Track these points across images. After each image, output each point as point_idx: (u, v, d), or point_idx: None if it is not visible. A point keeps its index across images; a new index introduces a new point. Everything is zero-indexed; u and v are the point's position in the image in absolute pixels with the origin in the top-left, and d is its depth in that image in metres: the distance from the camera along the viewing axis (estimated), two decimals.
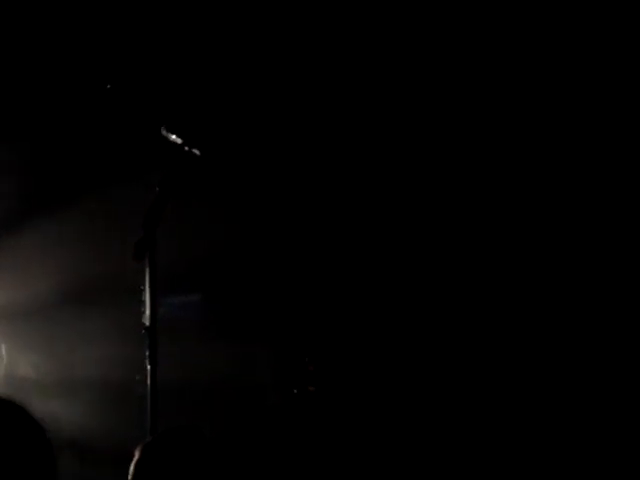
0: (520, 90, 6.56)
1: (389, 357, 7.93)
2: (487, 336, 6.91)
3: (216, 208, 8.67)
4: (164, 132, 4.34)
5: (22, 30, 7.15)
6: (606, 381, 5.81)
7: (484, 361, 7.12)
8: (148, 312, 3.95)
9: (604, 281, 6.00)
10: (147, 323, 3.97)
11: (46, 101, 7.61)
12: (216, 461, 2.84)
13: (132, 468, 2.77)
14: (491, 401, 6.60)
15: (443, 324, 7.43)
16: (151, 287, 3.94)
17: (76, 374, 7.26)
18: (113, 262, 7.25)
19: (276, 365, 8.57)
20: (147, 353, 3.99)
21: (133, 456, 2.79)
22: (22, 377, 7.68)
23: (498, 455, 6.15)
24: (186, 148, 4.22)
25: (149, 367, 3.97)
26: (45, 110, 7.69)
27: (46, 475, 1.75)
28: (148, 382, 3.97)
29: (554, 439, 5.95)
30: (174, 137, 4.27)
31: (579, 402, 5.90)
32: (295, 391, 8.26)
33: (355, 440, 7.24)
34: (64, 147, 7.55)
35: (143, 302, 3.98)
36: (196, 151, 4.26)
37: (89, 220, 8.16)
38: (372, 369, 7.98)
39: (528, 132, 6.64)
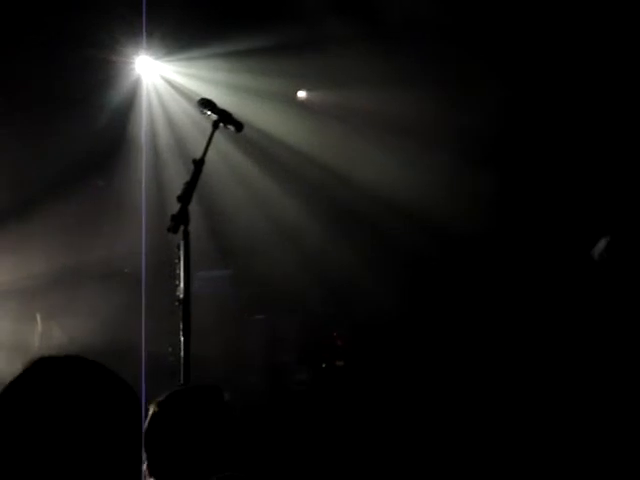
0: None
1: (415, 333, 7.97)
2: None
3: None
4: (199, 108, 4.36)
5: None
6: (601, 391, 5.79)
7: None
8: (182, 285, 3.96)
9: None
10: (181, 296, 3.98)
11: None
12: (231, 422, 2.80)
13: (147, 421, 2.75)
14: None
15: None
16: (185, 260, 3.96)
17: (111, 344, 7.34)
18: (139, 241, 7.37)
19: (305, 340, 8.63)
20: (181, 325, 3.98)
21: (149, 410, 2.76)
22: (57, 346, 7.78)
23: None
24: (221, 124, 4.24)
25: (182, 338, 3.97)
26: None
27: (136, 442, 1.78)
28: (181, 353, 3.98)
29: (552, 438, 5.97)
30: (209, 113, 4.28)
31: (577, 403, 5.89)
32: (323, 365, 8.32)
33: (381, 414, 7.29)
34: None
35: (177, 275, 3.99)
36: (231, 127, 4.29)
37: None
38: (399, 345, 8.03)
39: None
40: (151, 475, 2.72)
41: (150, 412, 2.79)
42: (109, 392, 1.78)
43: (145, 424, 2.74)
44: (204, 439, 2.73)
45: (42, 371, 1.77)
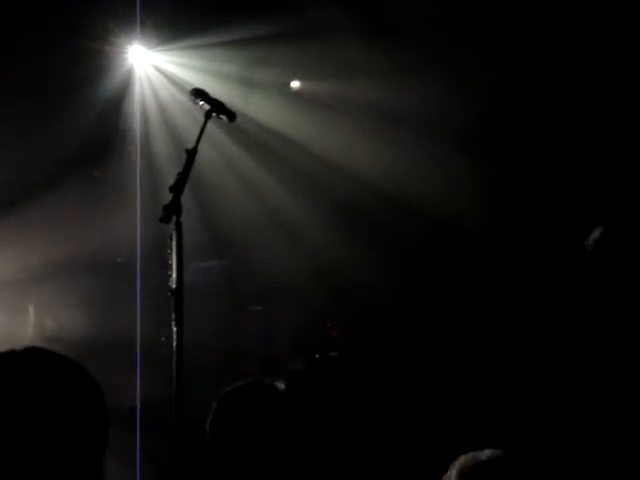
0: None
1: (410, 326, 7.98)
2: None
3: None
4: (192, 98, 4.34)
5: None
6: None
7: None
8: (175, 275, 3.95)
9: None
10: (173, 286, 3.97)
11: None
12: (290, 417, 2.91)
13: (210, 416, 2.88)
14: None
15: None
16: (177, 251, 3.95)
17: (102, 335, 7.34)
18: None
19: (299, 330, 8.64)
20: (173, 315, 3.97)
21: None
22: (49, 337, 7.78)
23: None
24: (214, 114, 4.22)
25: (175, 329, 3.96)
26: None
27: (98, 438, 1.77)
28: (174, 344, 3.97)
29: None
30: (202, 103, 4.26)
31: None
32: (317, 356, 8.33)
33: (376, 405, 7.29)
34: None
35: (170, 265, 3.98)
36: (224, 117, 4.27)
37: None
38: (392, 338, 8.03)
39: None
40: (217, 462, 2.88)
41: (214, 406, 2.94)
42: (68, 385, 1.77)
43: (209, 417, 2.92)
44: (266, 430, 2.90)
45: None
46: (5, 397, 1.71)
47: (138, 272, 7.59)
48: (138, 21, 8.01)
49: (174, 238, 3.94)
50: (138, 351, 7.14)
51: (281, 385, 3.00)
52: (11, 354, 1.79)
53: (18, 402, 1.71)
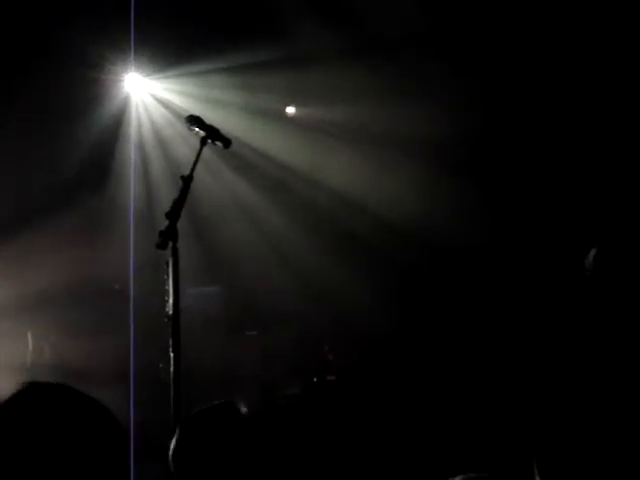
0: None
1: (406, 348, 7.98)
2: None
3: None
4: (187, 124, 4.37)
5: None
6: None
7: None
8: (171, 301, 3.95)
9: None
10: (170, 312, 3.96)
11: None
12: (253, 436, 2.88)
13: (173, 444, 2.83)
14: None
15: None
16: (174, 276, 3.95)
17: (102, 361, 7.33)
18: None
19: (295, 354, 8.63)
20: (170, 341, 3.97)
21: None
22: (48, 365, 7.76)
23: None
24: (209, 141, 4.25)
25: (172, 354, 3.96)
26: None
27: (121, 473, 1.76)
28: (171, 369, 3.97)
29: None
30: (197, 129, 4.29)
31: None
32: (315, 380, 8.32)
33: (372, 428, 7.28)
34: None
35: (166, 291, 3.98)
36: (219, 143, 4.30)
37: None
38: (389, 359, 8.03)
39: None
40: None
41: (175, 435, 2.85)
42: (95, 423, 1.77)
43: (171, 446, 2.83)
44: (229, 454, 2.81)
45: (29, 398, 1.75)
46: (29, 434, 1.69)
47: (131, 297, 7.60)
48: (132, 49, 8.08)
49: (170, 264, 3.96)
50: (132, 377, 7.14)
51: (243, 407, 2.96)
52: (37, 387, 1.77)
53: (44, 445, 1.69)
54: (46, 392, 1.77)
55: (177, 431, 2.85)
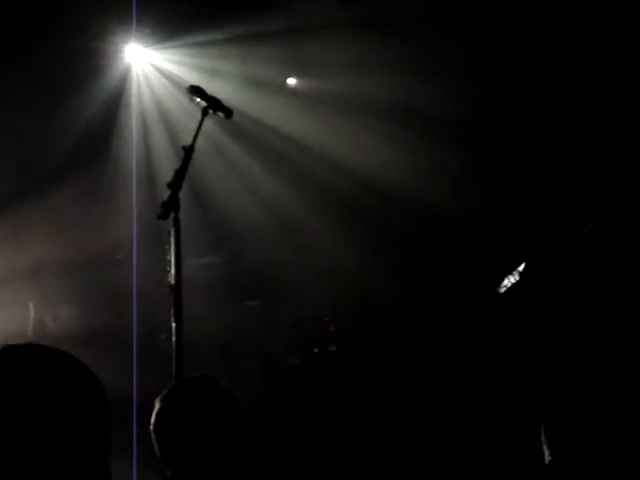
0: None
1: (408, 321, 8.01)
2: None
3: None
4: (189, 95, 4.36)
5: None
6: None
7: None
8: (173, 271, 3.96)
9: None
10: (172, 282, 3.97)
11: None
12: (232, 409, 2.90)
13: (153, 417, 2.85)
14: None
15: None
16: (176, 247, 3.95)
17: (102, 330, 7.36)
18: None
19: (297, 324, 8.66)
20: (172, 311, 3.97)
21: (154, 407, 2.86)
22: (50, 334, 7.80)
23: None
24: (211, 111, 4.25)
25: (174, 325, 3.97)
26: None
27: (101, 436, 1.75)
28: (173, 339, 3.98)
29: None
30: (199, 100, 4.28)
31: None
32: (316, 350, 8.35)
33: (373, 399, 7.32)
34: None
35: (168, 261, 3.98)
36: (220, 114, 4.29)
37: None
38: (391, 331, 8.06)
39: None
40: (167, 466, 2.82)
41: (155, 409, 2.87)
42: (70, 382, 1.75)
43: (152, 420, 2.85)
44: (209, 426, 2.83)
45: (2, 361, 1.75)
46: (5, 394, 1.69)
47: (135, 267, 7.61)
48: (134, 20, 8.03)
49: (172, 234, 3.96)
50: (135, 347, 7.16)
51: (222, 381, 2.97)
52: (11, 349, 1.76)
53: (19, 399, 1.69)
54: (18, 353, 1.76)
55: (157, 404, 2.86)
